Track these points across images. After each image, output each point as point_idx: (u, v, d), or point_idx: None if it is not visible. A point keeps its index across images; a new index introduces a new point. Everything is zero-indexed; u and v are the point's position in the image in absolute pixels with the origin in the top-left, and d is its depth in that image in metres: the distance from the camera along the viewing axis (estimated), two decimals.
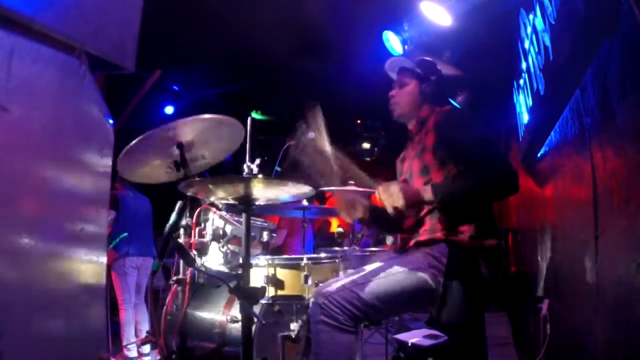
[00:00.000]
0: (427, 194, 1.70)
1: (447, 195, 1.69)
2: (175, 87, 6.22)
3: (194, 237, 2.28)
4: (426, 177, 1.87)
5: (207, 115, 1.66)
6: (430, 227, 1.82)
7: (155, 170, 1.83)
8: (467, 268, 1.71)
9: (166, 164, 1.78)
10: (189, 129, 1.69)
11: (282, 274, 2.33)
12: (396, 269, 1.72)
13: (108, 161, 1.17)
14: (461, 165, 1.79)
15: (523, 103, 3.01)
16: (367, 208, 1.97)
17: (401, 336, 1.91)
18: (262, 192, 1.73)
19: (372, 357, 3.00)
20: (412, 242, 1.85)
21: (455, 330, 1.68)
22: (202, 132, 1.73)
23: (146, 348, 4.07)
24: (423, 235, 1.82)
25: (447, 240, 1.74)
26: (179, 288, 2.28)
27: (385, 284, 1.68)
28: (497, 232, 1.83)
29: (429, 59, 2.10)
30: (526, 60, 2.68)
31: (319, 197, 4.64)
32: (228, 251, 2.33)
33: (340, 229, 4.15)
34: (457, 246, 1.73)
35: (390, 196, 1.68)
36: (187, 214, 2.21)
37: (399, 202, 1.66)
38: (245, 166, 1.89)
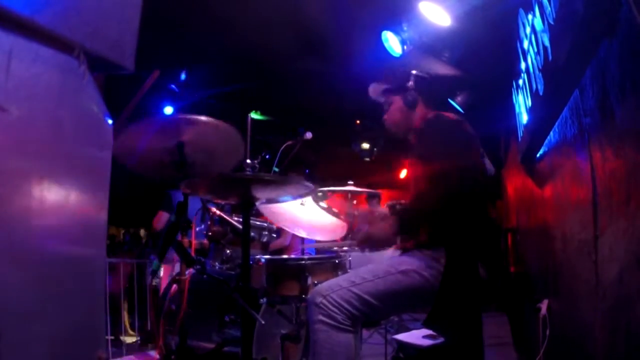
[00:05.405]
0: (393, 229, 1.76)
1: (405, 225, 1.76)
2: (174, 88, 6.22)
3: (194, 237, 2.28)
4: (417, 188, 1.89)
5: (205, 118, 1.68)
6: (429, 229, 1.82)
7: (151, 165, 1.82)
8: (466, 269, 1.71)
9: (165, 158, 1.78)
10: (192, 128, 1.70)
11: (281, 273, 2.33)
12: (395, 269, 1.72)
13: (107, 160, 1.17)
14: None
15: (522, 103, 3.01)
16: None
17: (400, 336, 1.92)
18: (262, 191, 1.73)
19: (372, 358, 3.00)
20: (411, 243, 1.86)
21: (452, 331, 1.68)
22: (202, 134, 1.74)
23: None
24: (422, 236, 1.83)
25: (445, 242, 1.74)
26: (178, 288, 2.28)
27: (383, 283, 1.68)
28: (498, 235, 1.83)
29: (399, 69, 2.12)
30: (525, 60, 2.68)
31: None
32: (227, 251, 2.32)
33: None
34: (456, 248, 1.73)
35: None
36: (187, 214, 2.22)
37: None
38: (245, 165, 1.89)
